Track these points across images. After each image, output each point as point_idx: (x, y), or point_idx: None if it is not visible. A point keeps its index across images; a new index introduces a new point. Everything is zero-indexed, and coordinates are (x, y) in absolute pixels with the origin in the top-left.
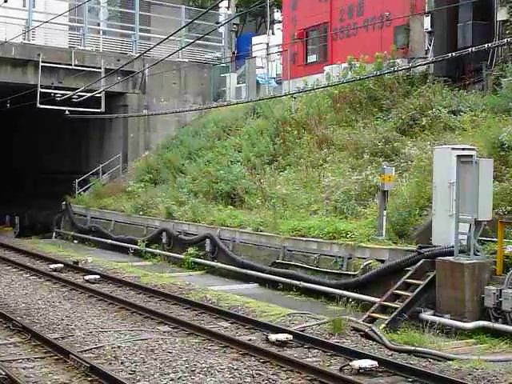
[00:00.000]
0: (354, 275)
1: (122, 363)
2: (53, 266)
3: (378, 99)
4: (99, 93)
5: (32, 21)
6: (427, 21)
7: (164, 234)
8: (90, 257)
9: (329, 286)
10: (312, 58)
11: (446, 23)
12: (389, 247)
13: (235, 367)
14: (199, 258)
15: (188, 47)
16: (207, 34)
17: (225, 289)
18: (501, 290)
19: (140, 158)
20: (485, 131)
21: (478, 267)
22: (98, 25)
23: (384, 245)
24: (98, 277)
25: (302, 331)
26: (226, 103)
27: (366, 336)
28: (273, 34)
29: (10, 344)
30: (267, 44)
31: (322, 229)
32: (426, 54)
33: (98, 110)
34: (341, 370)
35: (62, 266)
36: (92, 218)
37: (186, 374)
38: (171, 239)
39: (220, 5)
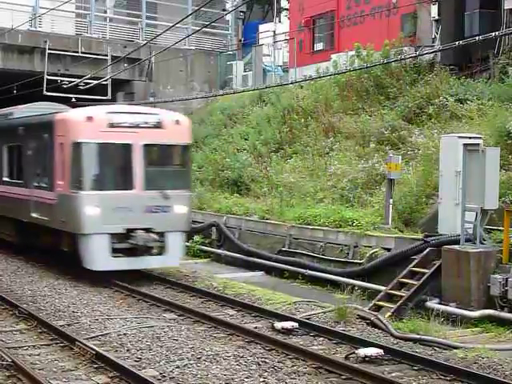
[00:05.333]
0: (360, 263)
1: (127, 350)
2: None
3: (384, 87)
4: (106, 80)
5: (39, 8)
6: (434, 9)
7: None
8: None
9: (335, 274)
10: (319, 46)
11: (453, 11)
12: (395, 236)
13: (241, 355)
14: (205, 245)
15: (195, 35)
16: (214, 22)
17: (231, 276)
18: (507, 278)
19: None
20: (491, 120)
21: (484, 256)
22: (105, 12)
23: (390, 233)
24: None
25: (307, 319)
26: (232, 91)
27: (372, 324)
28: (280, 21)
29: (16, 331)
30: (274, 32)
31: (328, 217)
32: (433, 42)
33: (105, 98)
34: (346, 358)
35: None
36: None
37: (191, 362)
38: None
39: None
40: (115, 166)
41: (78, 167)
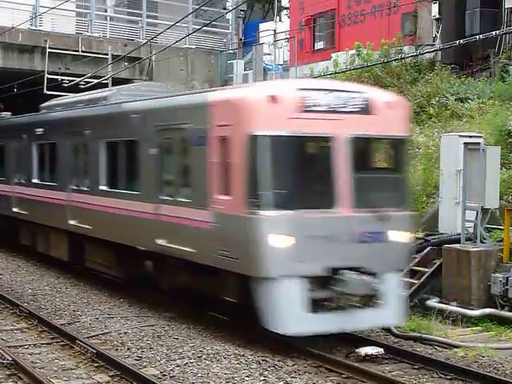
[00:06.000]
0: None
1: (128, 349)
2: None
3: (385, 86)
4: (106, 79)
5: (39, 6)
6: (435, 8)
7: None
8: None
9: None
10: (319, 45)
11: (454, 10)
12: None
13: (241, 353)
14: None
15: (195, 34)
16: (214, 21)
17: None
18: (507, 277)
19: None
20: (492, 119)
21: (485, 255)
22: (106, 11)
23: None
24: None
25: None
26: None
27: None
28: (280, 20)
29: (17, 330)
30: (274, 31)
31: None
32: (434, 41)
33: None
34: (347, 356)
35: None
36: None
37: (192, 360)
38: None
39: None
40: (311, 171)
41: (257, 174)
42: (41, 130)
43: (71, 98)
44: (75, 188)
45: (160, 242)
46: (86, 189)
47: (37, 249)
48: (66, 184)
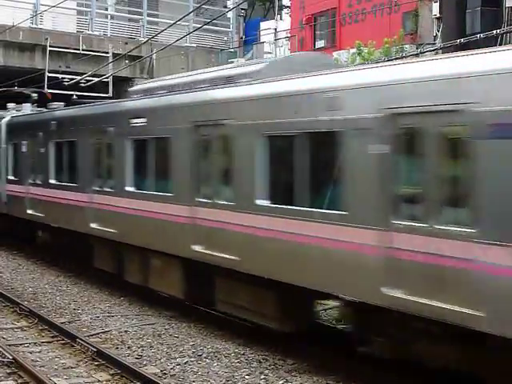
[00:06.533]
0: None
1: (128, 348)
2: None
3: None
4: (107, 78)
5: (40, 5)
6: (436, 6)
7: None
8: None
9: None
10: (320, 44)
11: (455, 9)
12: None
13: (242, 352)
14: None
15: (196, 32)
16: (215, 19)
17: None
18: None
19: None
20: None
21: None
22: (106, 9)
23: None
24: None
25: None
26: None
27: None
28: (281, 19)
29: (17, 328)
30: (275, 29)
31: None
32: (435, 40)
33: (106, 95)
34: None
35: None
36: None
37: (192, 359)
38: None
39: None
40: None
41: None
42: (138, 121)
43: (181, 77)
44: (204, 201)
45: (388, 291)
46: (225, 203)
47: (124, 277)
48: (186, 195)
